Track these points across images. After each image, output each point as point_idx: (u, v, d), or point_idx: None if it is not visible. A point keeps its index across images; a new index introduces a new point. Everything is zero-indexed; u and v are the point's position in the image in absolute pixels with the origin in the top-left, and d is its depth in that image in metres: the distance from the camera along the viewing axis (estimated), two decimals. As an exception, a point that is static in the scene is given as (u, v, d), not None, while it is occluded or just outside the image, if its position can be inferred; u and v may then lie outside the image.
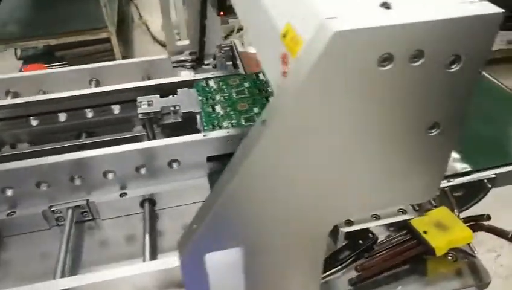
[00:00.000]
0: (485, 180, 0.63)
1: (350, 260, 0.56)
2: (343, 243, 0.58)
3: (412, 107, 0.33)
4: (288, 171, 0.34)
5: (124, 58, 2.06)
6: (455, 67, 0.31)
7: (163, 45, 2.45)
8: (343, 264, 0.56)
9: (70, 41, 2.02)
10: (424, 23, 0.29)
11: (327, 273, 0.55)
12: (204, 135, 0.64)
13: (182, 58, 0.89)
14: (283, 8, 0.36)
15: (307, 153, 0.33)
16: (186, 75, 0.86)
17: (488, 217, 0.57)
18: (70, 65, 2.02)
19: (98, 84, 0.89)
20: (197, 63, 0.90)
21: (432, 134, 0.35)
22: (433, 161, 0.37)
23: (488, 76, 0.82)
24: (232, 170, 0.35)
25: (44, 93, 0.86)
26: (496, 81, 0.81)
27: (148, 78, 0.90)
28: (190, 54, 0.89)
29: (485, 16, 0.29)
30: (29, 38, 1.97)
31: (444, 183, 0.61)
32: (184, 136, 0.63)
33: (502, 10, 0.29)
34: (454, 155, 0.65)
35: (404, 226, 0.58)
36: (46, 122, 0.75)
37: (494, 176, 0.63)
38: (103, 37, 2.01)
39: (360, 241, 0.57)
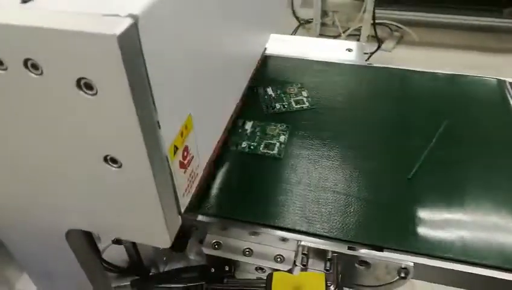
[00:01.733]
0: (402, 266, 0.48)
1: (191, 283, 0.51)
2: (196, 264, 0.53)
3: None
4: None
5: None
6: (90, 93, 0.25)
7: (301, 22, 2.43)
8: (181, 284, 0.51)
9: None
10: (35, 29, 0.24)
11: (161, 286, 0.51)
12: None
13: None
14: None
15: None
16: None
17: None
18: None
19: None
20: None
21: (113, 169, 0.29)
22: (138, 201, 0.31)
23: None
24: None
25: None
26: None
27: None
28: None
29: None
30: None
31: (338, 247, 0.49)
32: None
33: (115, 33, 0.22)
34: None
35: (268, 275, 0.49)
36: None
37: (411, 263, 0.47)
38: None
39: (213, 270, 0.51)
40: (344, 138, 0.61)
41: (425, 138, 0.60)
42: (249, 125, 0.63)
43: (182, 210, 0.34)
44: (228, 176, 0.56)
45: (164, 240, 0.33)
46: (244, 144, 0.60)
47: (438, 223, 0.50)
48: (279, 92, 0.70)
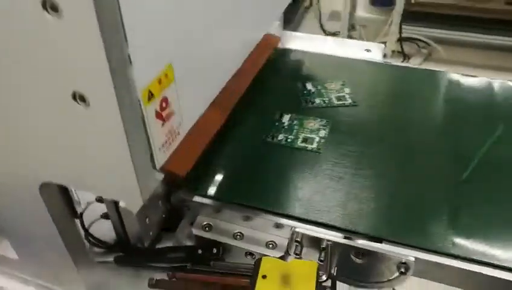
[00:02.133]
0: (403, 261, 0.44)
1: (177, 263, 0.48)
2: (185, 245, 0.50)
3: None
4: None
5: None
6: (55, 15, 0.24)
7: (328, 34, 2.42)
8: (166, 263, 0.49)
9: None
10: None
11: (147, 263, 0.49)
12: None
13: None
14: None
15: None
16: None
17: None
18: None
19: None
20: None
21: (81, 108, 0.27)
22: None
23: None
24: None
25: None
26: None
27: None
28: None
29: None
30: None
31: (334, 236, 0.46)
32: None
33: None
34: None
35: (256, 260, 0.47)
36: None
37: (411, 258, 0.43)
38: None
39: (200, 251, 0.49)
40: (388, 137, 0.58)
41: (473, 141, 0.57)
42: (286, 118, 0.61)
43: (158, 167, 0.32)
44: (262, 167, 0.54)
45: (135, 197, 0.31)
46: (280, 137, 0.58)
47: (482, 229, 0.46)
48: (319, 87, 0.68)
